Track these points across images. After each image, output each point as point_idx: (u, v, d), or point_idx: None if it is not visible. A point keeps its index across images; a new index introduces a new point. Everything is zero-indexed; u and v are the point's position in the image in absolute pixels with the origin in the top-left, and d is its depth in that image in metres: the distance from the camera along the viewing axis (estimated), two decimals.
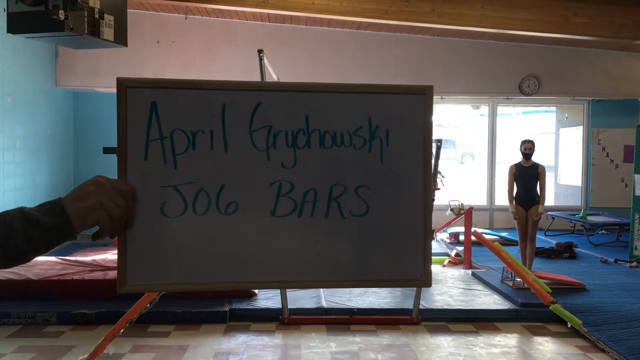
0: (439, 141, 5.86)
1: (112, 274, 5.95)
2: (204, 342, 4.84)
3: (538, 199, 7.03)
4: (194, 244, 1.20)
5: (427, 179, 1.28)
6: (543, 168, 7.10)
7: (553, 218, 10.52)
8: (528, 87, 10.64)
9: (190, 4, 9.07)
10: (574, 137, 11.85)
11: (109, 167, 10.49)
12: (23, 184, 8.71)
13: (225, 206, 1.20)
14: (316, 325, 5.28)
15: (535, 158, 7.16)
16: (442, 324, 5.38)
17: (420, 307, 5.46)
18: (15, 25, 5.01)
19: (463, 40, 10.47)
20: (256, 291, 5.96)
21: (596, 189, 11.40)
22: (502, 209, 11.20)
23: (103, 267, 6.34)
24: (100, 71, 9.99)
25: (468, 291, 6.24)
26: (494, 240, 7.03)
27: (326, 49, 10.40)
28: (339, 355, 4.57)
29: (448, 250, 8.72)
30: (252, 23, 10.18)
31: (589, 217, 10.03)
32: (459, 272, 7.38)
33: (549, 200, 12.02)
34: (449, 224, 9.25)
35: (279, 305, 5.42)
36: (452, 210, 8.16)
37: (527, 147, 7.12)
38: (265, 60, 5.63)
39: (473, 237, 7.11)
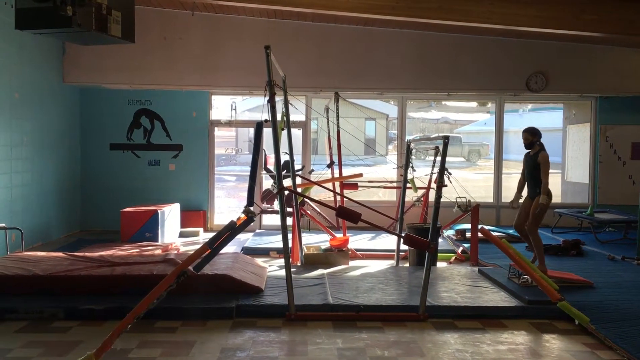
0: (446, 138, 5.83)
1: (120, 270, 5.98)
2: (210, 338, 4.85)
3: (539, 191, 6.88)
4: None
5: None
6: (543, 156, 6.77)
7: (560, 215, 10.48)
8: (535, 84, 10.60)
9: (197, 0, 9.08)
10: (581, 134, 11.80)
11: (115, 163, 10.56)
12: (30, 180, 8.74)
13: None
14: (322, 322, 5.28)
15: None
16: (448, 321, 5.37)
17: (427, 303, 5.45)
18: (23, 21, 5.02)
19: (470, 37, 10.43)
20: (263, 287, 5.97)
21: (603, 186, 11.35)
22: (509, 206, 11.16)
23: (110, 263, 6.35)
24: (107, 67, 10.01)
25: (475, 288, 6.23)
26: (501, 238, 7.00)
27: (333, 45, 10.38)
28: (346, 352, 4.57)
29: (454, 247, 8.71)
30: (258, 19, 10.17)
31: (596, 215, 9.98)
32: (465, 269, 7.36)
33: (556, 198, 11.98)
34: (455, 221, 9.23)
35: (285, 302, 5.42)
36: (459, 207, 8.13)
37: (525, 138, 6.98)
38: (272, 57, 5.63)
39: (480, 234, 7.10)
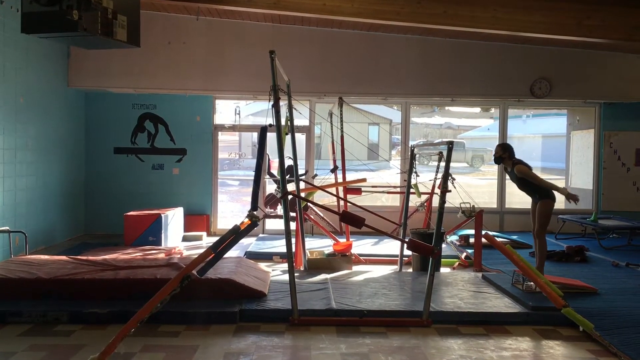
0: (450, 143, 5.83)
1: (123, 274, 5.98)
2: (214, 343, 4.84)
3: (538, 196, 6.92)
4: None
5: None
6: (519, 169, 6.83)
7: (564, 221, 10.45)
8: (539, 90, 10.59)
9: (201, 5, 9.10)
10: (585, 140, 11.79)
11: (119, 167, 10.58)
12: (34, 184, 8.77)
13: None
14: (326, 327, 5.28)
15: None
16: (452, 327, 5.35)
17: (431, 309, 5.44)
18: (29, 25, 5.05)
19: (474, 42, 10.44)
20: (266, 292, 5.97)
21: (607, 193, 11.34)
22: (513, 212, 11.17)
23: (114, 266, 6.36)
24: (112, 71, 10.04)
25: (478, 294, 6.21)
26: (504, 243, 6.99)
27: (337, 50, 10.40)
28: (349, 357, 4.56)
29: (458, 253, 8.69)
30: (263, 24, 10.20)
31: (600, 221, 9.96)
32: (469, 274, 7.35)
33: (560, 204, 11.99)
34: (459, 227, 9.22)
35: (288, 306, 5.42)
36: (463, 212, 8.12)
37: (496, 151, 7.10)
38: (277, 62, 5.64)
39: (483, 240, 7.08)
